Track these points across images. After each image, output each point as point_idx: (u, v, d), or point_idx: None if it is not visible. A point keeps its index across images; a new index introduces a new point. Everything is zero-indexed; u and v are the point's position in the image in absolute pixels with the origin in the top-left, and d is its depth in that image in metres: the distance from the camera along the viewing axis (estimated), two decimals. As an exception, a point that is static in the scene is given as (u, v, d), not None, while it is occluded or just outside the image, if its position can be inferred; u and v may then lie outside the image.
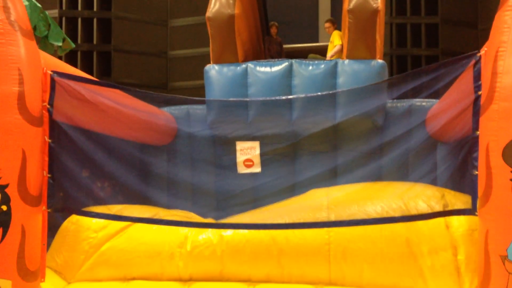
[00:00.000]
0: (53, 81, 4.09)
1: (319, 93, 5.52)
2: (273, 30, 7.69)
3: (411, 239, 4.07)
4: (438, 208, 4.04)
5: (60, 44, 7.41)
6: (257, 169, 4.66)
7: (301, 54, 7.27)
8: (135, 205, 4.71)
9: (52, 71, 4.11)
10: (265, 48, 7.80)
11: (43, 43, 7.26)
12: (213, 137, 5.81)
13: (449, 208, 4.02)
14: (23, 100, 3.73)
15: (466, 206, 3.73)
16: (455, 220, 4.05)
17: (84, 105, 4.36)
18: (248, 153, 4.67)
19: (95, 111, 4.48)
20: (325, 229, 4.15)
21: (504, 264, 3.28)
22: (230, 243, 4.28)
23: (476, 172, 3.59)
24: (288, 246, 4.21)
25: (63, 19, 10.29)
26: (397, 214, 4.09)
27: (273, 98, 5.90)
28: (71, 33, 10.10)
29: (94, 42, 10.56)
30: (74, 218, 4.54)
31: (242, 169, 4.66)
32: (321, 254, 4.15)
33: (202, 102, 6.18)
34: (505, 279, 3.27)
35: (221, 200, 5.19)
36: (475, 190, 3.59)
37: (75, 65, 7.98)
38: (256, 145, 4.69)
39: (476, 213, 3.60)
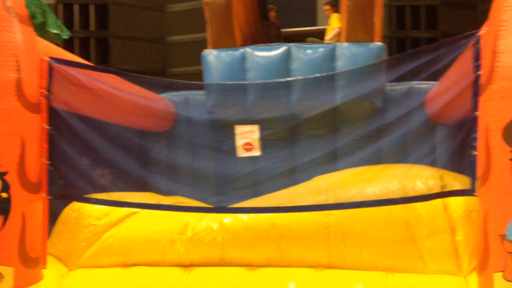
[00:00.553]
0: (50, 67, 4.06)
1: (317, 75, 5.49)
2: (272, 14, 7.62)
3: (409, 221, 4.08)
4: (436, 189, 4.05)
5: (57, 31, 7.36)
6: (256, 152, 4.64)
7: (300, 38, 7.22)
8: (138, 193, 4.72)
9: (49, 57, 4.09)
10: (264, 32, 7.74)
11: (40, 30, 7.21)
12: (212, 122, 5.81)
13: (448, 189, 4.03)
14: (21, 86, 3.72)
15: (465, 187, 3.74)
16: (453, 201, 4.07)
17: (82, 91, 4.34)
18: (247, 137, 4.66)
19: (94, 97, 4.46)
20: (324, 213, 4.17)
21: (502, 243, 3.30)
22: (230, 229, 4.30)
23: (475, 153, 3.59)
24: (287, 230, 4.22)
25: (60, 6, 10.19)
26: (396, 196, 4.09)
27: (272, 80, 5.88)
28: (68, 20, 10.01)
29: (91, 28, 10.47)
30: (75, 205, 4.55)
31: (241, 153, 4.65)
32: (321, 238, 4.17)
33: (201, 87, 6.15)
34: (504, 259, 3.29)
35: (221, 184, 5.20)
36: (474, 170, 3.59)
37: (72, 52, 7.90)
38: (255, 128, 4.67)
39: (475, 194, 3.61)
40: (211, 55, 6.31)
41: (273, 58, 6.17)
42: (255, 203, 4.56)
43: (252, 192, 4.92)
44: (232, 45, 6.34)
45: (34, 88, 3.86)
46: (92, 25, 10.48)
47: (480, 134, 3.50)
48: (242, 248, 4.28)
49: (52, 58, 4.10)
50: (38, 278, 3.93)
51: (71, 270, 4.43)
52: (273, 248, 4.24)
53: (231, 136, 4.76)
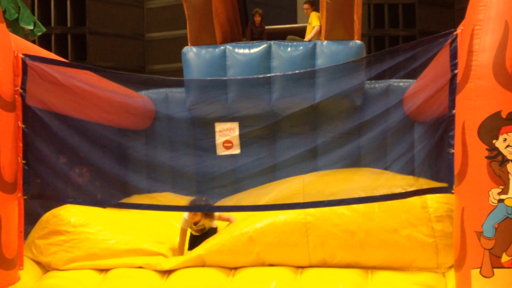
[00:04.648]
0: (25, 64, 3.97)
1: (297, 71, 5.50)
2: (257, 19, 7.29)
3: (390, 223, 4.14)
4: (413, 188, 4.09)
5: (31, 27, 7.20)
6: (236, 150, 4.63)
7: (280, 36, 7.21)
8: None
9: (23, 54, 4.00)
10: (247, 33, 7.60)
11: (14, 26, 7.06)
12: (192, 119, 5.78)
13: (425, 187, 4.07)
14: (-6, 84, 3.63)
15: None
16: (433, 202, 4.11)
17: (58, 89, 4.25)
18: (227, 135, 4.64)
19: (70, 95, 4.38)
20: (303, 222, 4.20)
21: (479, 240, 3.35)
22: (210, 249, 4.31)
23: (453, 151, 3.63)
24: (266, 242, 4.24)
25: (35, 1, 9.99)
26: (375, 194, 4.12)
27: (252, 76, 5.87)
28: (44, 16, 9.83)
29: (68, 24, 10.30)
30: (56, 211, 4.53)
31: (221, 151, 4.63)
32: (301, 246, 4.20)
33: (180, 83, 6.10)
34: (481, 255, 3.34)
35: (201, 183, 5.16)
36: (452, 168, 3.64)
37: (49, 49, 7.77)
38: (235, 126, 4.66)
39: (452, 191, 3.65)
40: (191, 52, 6.26)
41: (253, 55, 6.16)
42: (235, 200, 4.56)
43: (232, 190, 4.89)
44: (213, 42, 6.30)
45: (8, 86, 3.78)
46: (69, 21, 10.31)
47: (457, 132, 3.55)
48: (223, 262, 4.30)
49: (26, 55, 4.01)
50: (15, 280, 3.85)
51: (47, 271, 4.36)
52: (253, 258, 4.25)
53: (211, 134, 4.73)
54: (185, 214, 4.63)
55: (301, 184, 4.48)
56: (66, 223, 4.46)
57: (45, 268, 4.41)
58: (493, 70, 3.31)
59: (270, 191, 4.53)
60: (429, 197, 4.16)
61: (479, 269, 3.34)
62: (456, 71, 3.59)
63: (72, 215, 4.50)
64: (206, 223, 4.67)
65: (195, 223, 4.64)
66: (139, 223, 4.74)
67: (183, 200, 4.70)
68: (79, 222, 4.48)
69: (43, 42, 9.33)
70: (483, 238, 3.34)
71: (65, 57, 8.82)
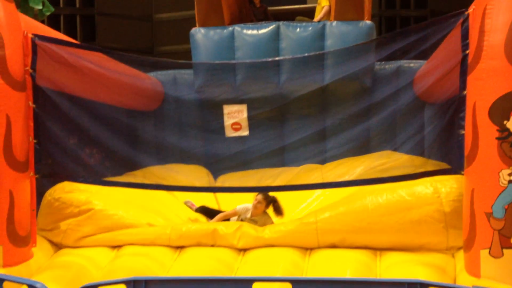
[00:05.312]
0: (34, 44, 3.99)
1: (306, 54, 5.47)
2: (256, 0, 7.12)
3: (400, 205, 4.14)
4: (422, 169, 4.08)
5: (40, 7, 7.20)
6: (244, 132, 4.63)
7: (289, 16, 7.14)
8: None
9: (33, 34, 4.00)
10: (250, 15, 7.51)
11: (23, 6, 7.05)
12: (200, 101, 5.77)
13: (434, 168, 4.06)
14: (5, 64, 3.65)
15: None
16: (445, 187, 4.11)
17: (67, 69, 4.27)
18: (235, 117, 4.64)
19: (79, 75, 4.40)
20: (313, 219, 4.22)
21: (489, 221, 3.35)
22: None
23: (463, 132, 3.61)
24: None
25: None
26: (384, 175, 4.12)
27: (260, 60, 5.83)
28: (53, -4, 9.80)
29: (77, 5, 10.28)
30: (56, 194, 4.52)
31: (229, 133, 4.63)
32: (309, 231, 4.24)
33: (189, 66, 6.09)
34: (490, 236, 3.35)
35: (210, 164, 5.19)
36: (462, 149, 3.62)
37: (58, 30, 7.77)
38: (243, 108, 4.65)
39: (462, 172, 3.64)
40: (199, 34, 6.23)
41: (261, 36, 6.11)
42: (244, 178, 4.58)
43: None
44: (221, 24, 6.26)
45: (18, 66, 3.80)
46: (78, 2, 10.29)
47: (468, 113, 3.52)
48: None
49: (36, 35, 4.02)
50: (28, 257, 3.92)
51: (60, 249, 4.43)
52: None
53: (220, 116, 4.74)
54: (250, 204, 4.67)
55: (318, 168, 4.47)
56: (69, 205, 4.45)
57: (58, 246, 4.47)
58: (505, 50, 3.27)
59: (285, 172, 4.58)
60: (440, 182, 4.15)
61: (488, 250, 3.35)
62: (467, 52, 3.55)
63: (73, 196, 4.50)
64: (260, 220, 4.60)
65: (252, 216, 4.62)
66: (136, 200, 4.75)
67: (194, 180, 4.74)
68: (82, 201, 4.48)
69: (52, 23, 9.34)
70: (493, 219, 3.34)
71: (74, 38, 8.80)
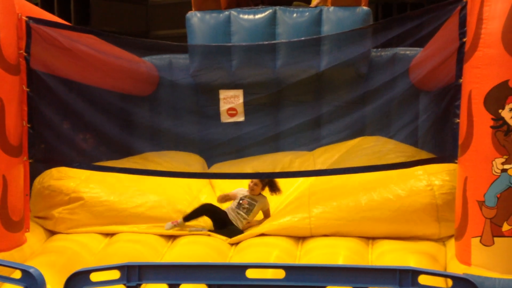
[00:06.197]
0: (29, 27, 3.94)
1: (302, 38, 5.44)
2: None
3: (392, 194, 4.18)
4: (416, 158, 4.09)
5: (35, -11, 7.10)
6: (240, 118, 4.63)
7: (286, 1, 7.08)
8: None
9: (27, 17, 3.95)
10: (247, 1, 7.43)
11: (17, -12, 6.95)
12: (195, 86, 5.74)
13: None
14: (-2, 47, 3.61)
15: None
16: (438, 180, 4.13)
17: (62, 53, 4.23)
18: (231, 102, 4.62)
19: (74, 59, 4.36)
20: (307, 214, 4.24)
21: (481, 209, 3.38)
22: None
23: (458, 120, 3.62)
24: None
25: (37, -37, 9.81)
26: (378, 163, 4.14)
27: (257, 43, 5.80)
28: (46, -22, 9.67)
29: (71, -13, 10.14)
30: (46, 182, 4.50)
31: (225, 118, 4.63)
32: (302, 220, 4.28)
33: (184, 49, 6.04)
34: (482, 224, 3.37)
35: (205, 150, 5.18)
36: (456, 138, 3.63)
37: (51, 13, 7.67)
38: (239, 93, 4.64)
39: (456, 161, 3.66)
40: (195, 18, 6.16)
41: (258, 21, 6.06)
42: (239, 165, 4.58)
43: (236, 158, 4.92)
44: (217, 7, 6.19)
45: (12, 49, 3.76)
46: (72, -16, 10.14)
47: (463, 102, 3.53)
48: None
49: (30, 18, 3.97)
50: (21, 242, 3.93)
51: (53, 234, 4.43)
52: None
53: (215, 101, 4.72)
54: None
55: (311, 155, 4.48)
56: (59, 193, 4.45)
57: (51, 231, 4.47)
58: (502, 38, 3.26)
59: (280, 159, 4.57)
60: (433, 175, 4.17)
61: (479, 238, 3.38)
62: (464, 40, 3.54)
63: (62, 184, 4.49)
64: (259, 200, 4.61)
65: (247, 198, 4.61)
66: (130, 183, 4.73)
67: (186, 167, 4.73)
68: (71, 188, 4.47)
69: (46, 5, 9.20)
70: (485, 207, 3.36)
71: (68, 21, 8.71)
